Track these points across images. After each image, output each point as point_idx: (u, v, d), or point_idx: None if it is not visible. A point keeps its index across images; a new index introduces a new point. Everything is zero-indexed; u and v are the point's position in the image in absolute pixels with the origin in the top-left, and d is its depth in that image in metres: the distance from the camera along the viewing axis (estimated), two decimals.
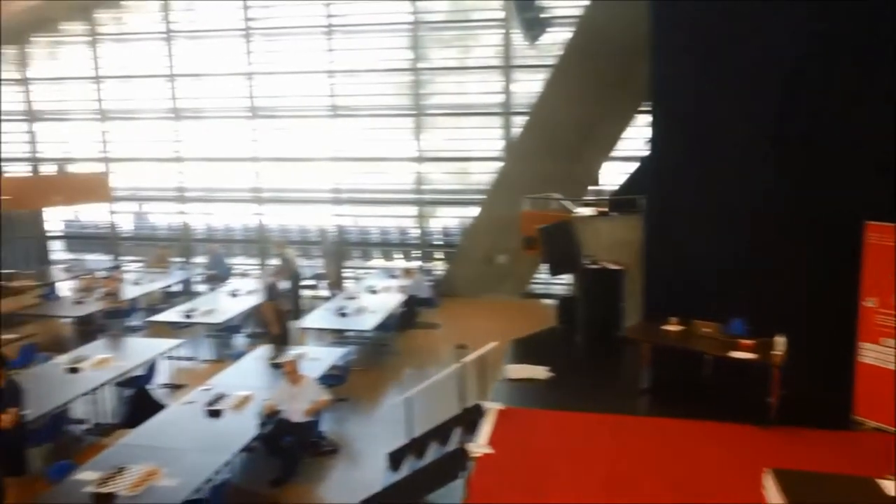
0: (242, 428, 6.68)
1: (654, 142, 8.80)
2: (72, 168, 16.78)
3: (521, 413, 7.45)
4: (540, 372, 8.62)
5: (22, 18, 16.14)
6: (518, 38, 14.22)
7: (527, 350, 9.65)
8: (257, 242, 16.72)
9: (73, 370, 8.31)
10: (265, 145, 16.28)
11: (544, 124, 13.54)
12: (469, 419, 7.06)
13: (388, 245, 16.41)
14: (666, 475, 6.07)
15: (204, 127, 16.80)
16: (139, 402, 8.47)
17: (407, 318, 12.34)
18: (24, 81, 17.38)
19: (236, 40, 15.85)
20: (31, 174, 17.05)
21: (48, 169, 16.88)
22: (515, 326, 10.82)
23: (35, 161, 17.67)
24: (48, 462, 6.77)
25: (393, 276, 13.80)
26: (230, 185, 16.88)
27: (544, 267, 11.78)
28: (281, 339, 9.96)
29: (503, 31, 14.51)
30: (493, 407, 7.39)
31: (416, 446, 6.98)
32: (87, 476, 5.61)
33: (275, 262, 14.23)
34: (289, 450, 6.95)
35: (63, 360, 8.68)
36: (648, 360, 8.08)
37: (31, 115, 17.61)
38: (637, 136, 13.32)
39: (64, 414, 7.51)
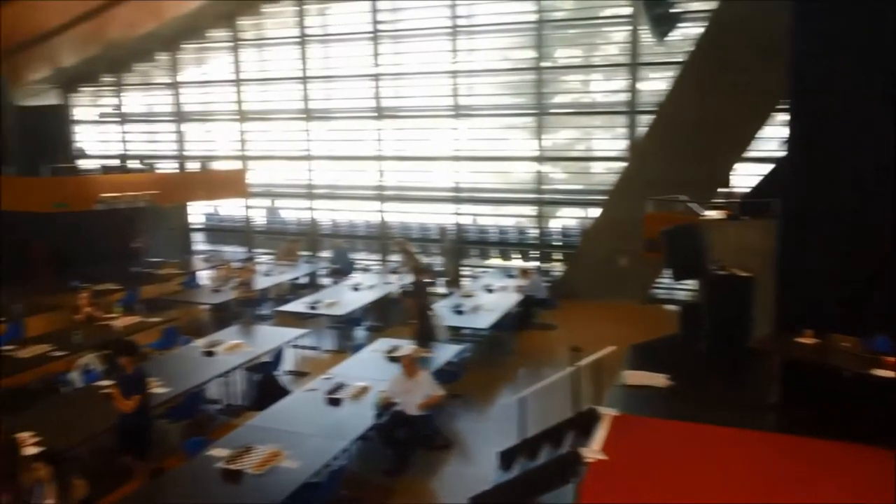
0: (359, 417, 6.91)
1: (792, 142, 8.24)
2: (213, 165, 18.03)
3: (638, 421, 7.21)
4: (659, 380, 8.30)
5: (174, 27, 17.51)
6: (646, 34, 13.79)
7: (646, 357, 9.33)
8: (379, 239, 17.23)
9: (209, 353, 8.91)
10: (390, 144, 16.75)
11: (672, 123, 13.05)
12: (583, 423, 6.92)
13: (506, 244, 16.43)
14: (793, 497, 5.68)
15: (333, 127, 17.52)
16: (266, 386, 8.96)
17: (523, 318, 12.27)
18: (174, 85, 18.83)
19: (365, 43, 16.39)
20: (177, 171, 18.45)
21: (193, 166, 18.22)
22: (635, 331, 10.49)
23: (182, 158, 19.09)
24: (185, 437, 7.30)
25: (510, 276, 13.78)
26: (355, 182, 17.52)
27: (667, 271, 11.34)
28: (426, 334, 9.91)
29: (630, 27, 14.11)
30: (608, 413, 7.21)
31: (528, 447, 6.94)
32: (218, 452, 6.00)
33: (396, 258, 14.59)
34: (403, 442, 7.11)
35: (200, 343, 9.33)
36: (778, 374, 7.59)
37: (180, 117, 19.05)
38: (773, 137, 12.55)
39: (200, 393, 8.07)
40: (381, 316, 12.68)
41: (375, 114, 16.61)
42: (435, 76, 16.01)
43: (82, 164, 18.86)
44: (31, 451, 5.62)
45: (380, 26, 16.19)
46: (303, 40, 17.03)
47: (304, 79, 17.20)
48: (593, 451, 6.35)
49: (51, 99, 19.65)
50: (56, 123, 19.51)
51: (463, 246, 16.23)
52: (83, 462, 6.46)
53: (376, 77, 16.43)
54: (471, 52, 15.71)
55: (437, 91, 16.08)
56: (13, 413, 6.93)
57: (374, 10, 16.12)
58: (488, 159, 16.17)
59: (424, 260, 14.24)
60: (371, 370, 8.33)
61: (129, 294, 13.03)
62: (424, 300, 10.26)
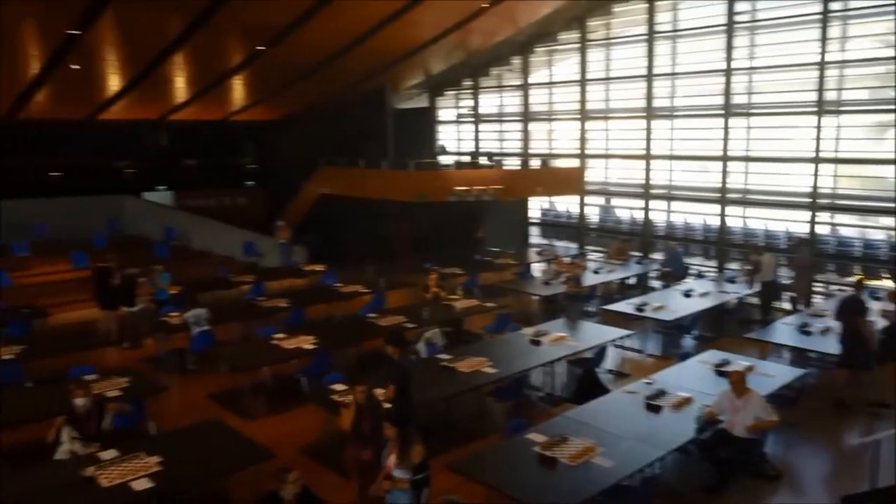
0: (679, 428, 6.61)
1: None
2: (554, 163, 18.75)
3: None
4: None
5: (528, 32, 18.58)
6: None
7: None
8: (717, 244, 16.17)
9: (535, 342, 9.33)
10: (738, 143, 15.52)
11: None
12: None
13: (872, 261, 14.08)
14: None
15: (676, 125, 16.89)
16: (586, 381, 9.08)
17: (889, 348, 10.44)
18: (524, 87, 19.99)
19: (717, 37, 15.41)
20: (521, 167, 19.59)
21: (535, 163, 19.17)
22: None
23: (526, 156, 20.21)
24: (507, 418, 7.77)
25: (876, 298, 11.82)
26: (696, 183, 16.66)
27: None
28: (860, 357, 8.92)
29: None
30: None
31: (880, 497, 5.92)
32: (535, 437, 6.27)
33: (747, 266, 13.50)
34: (725, 462, 6.62)
35: (528, 332, 9.82)
36: None
37: (527, 116, 20.17)
38: None
39: (524, 379, 8.51)
40: (714, 325, 11.92)
41: (722, 111, 15.53)
42: (797, 69, 14.36)
43: (441, 159, 21.19)
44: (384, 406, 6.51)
45: (737, 17, 15.06)
46: (650, 37, 16.70)
47: (649, 76, 16.86)
48: None
49: (421, 102, 22.41)
50: (423, 123, 22.26)
51: (818, 259, 14.31)
52: (418, 427, 7.27)
53: (727, 72, 15.32)
54: (843, 39, 13.74)
55: (798, 86, 14.42)
56: (370, 372, 8.09)
57: (731, 2, 15.04)
58: (856, 161, 14.01)
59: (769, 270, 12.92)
60: (696, 381, 7.89)
61: (470, 279, 14.28)
62: (858, 318, 9.13)
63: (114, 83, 16.90)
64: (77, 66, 14.51)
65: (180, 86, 18.11)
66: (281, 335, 9.64)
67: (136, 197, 20.11)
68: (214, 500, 6.54)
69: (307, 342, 9.28)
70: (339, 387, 7.61)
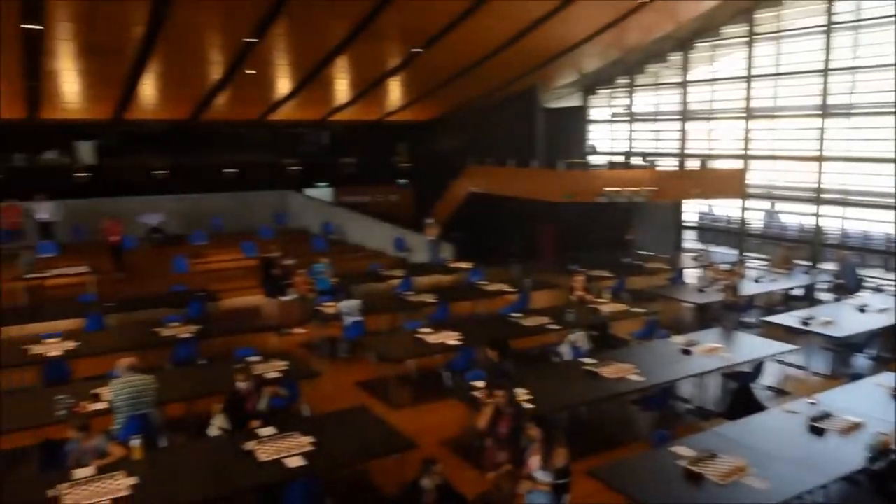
0: (847, 455, 6.03)
1: None
2: (712, 164, 17.76)
3: None
4: None
5: (689, 27, 17.74)
6: None
7: None
8: None
9: (686, 352, 8.89)
10: None
11: None
12: None
13: None
14: None
15: (853, 124, 15.43)
16: (741, 397, 8.50)
17: None
18: (682, 84, 19.11)
19: None
20: (676, 168, 18.74)
21: (692, 164, 18.26)
22: None
23: (682, 156, 19.31)
24: (652, 428, 7.47)
25: None
26: (876, 187, 15.10)
27: None
28: None
29: None
30: None
31: None
32: (681, 451, 5.97)
33: None
34: None
35: (679, 340, 9.37)
36: None
37: (685, 115, 19.26)
38: None
39: (672, 389, 8.15)
40: (893, 345, 10.76)
41: None
42: None
43: (592, 159, 20.78)
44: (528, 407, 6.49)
45: None
46: (828, 28, 15.36)
47: (826, 71, 15.52)
48: None
49: (573, 101, 22.08)
50: (574, 123, 21.92)
51: None
52: (564, 430, 7.17)
53: None
54: None
55: None
56: (517, 376, 8.08)
57: None
58: None
59: None
60: (869, 405, 7.15)
61: (618, 282, 13.90)
62: None
63: (283, 86, 18.14)
64: (252, 71, 15.71)
65: (342, 88, 19.09)
66: (426, 329, 9.88)
67: (299, 192, 21.45)
68: (358, 482, 6.85)
69: (451, 338, 9.44)
70: (480, 384, 7.68)
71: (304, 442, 6.17)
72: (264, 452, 5.97)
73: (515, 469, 5.88)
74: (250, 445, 6.07)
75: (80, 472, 5.57)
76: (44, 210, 16.30)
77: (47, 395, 7.27)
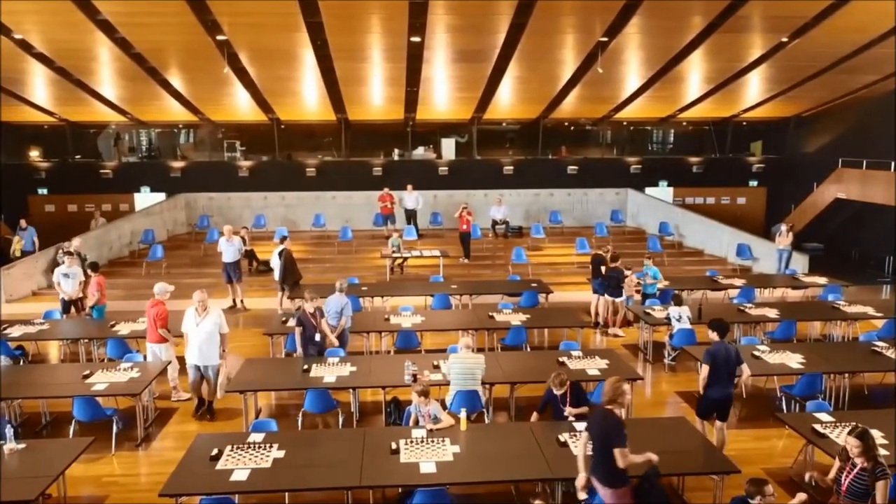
0: None
1: None
2: None
3: None
4: None
5: None
6: None
7: None
8: None
9: None
10: None
11: None
12: None
13: None
14: None
15: None
16: None
17: None
18: None
19: None
20: None
21: None
22: None
23: None
24: None
25: None
26: None
27: None
28: None
29: None
30: None
31: None
32: None
33: None
34: None
35: None
36: None
37: None
38: None
39: None
40: None
41: None
42: None
43: None
44: None
45: None
46: None
47: None
48: None
49: None
50: None
51: None
52: None
53: None
54: None
55: None
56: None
57: None
58: None
59: None
60: None
61: None
62: None
63: (632, 84, 18.00)
64: (601, 70, 15.90)
65: (692, 84, 18.24)
66: (764, 347, 9.00)
67: (639, 191, 21.14)
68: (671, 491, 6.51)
69: (793, 360, 8.46)
70: (824, 416, 6.75)
71: None
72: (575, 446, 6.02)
73: None
74: (564, 437, 6.19)
75: (416, 433, 6.29)
76: (410, 199, 18.63)
77: (398, 360, 8.34)
